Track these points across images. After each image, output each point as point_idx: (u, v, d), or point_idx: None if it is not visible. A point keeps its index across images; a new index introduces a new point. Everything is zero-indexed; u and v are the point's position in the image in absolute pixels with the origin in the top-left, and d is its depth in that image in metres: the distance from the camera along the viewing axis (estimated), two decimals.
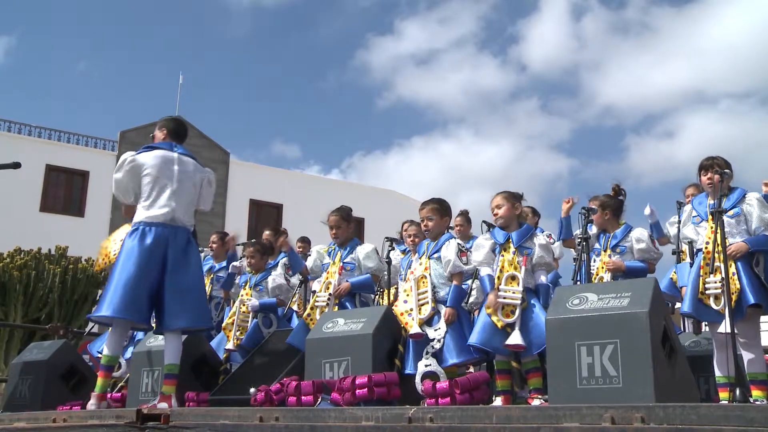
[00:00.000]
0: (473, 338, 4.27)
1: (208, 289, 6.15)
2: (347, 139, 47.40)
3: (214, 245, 6.73)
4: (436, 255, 4.75)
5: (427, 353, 4.46)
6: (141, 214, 4.62)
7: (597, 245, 5.02)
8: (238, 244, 6.90)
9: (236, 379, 5.11)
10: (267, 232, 6.77)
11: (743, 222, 4.41)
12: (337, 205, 5.56)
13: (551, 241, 5.51)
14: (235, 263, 6.24)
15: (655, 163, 48.03)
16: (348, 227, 5.45)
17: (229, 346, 5.63)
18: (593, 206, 4.92)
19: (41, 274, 13.57)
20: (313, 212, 8.30)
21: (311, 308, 5.24)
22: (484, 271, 4.42)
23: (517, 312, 4.19)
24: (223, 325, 5.87)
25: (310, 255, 5.83)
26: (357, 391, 3.89)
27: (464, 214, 6.27)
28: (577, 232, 4.88)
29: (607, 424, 2.56)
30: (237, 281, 6.17)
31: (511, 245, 4.42)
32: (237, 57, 45.66)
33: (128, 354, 5.80)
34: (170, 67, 43.88)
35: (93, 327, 7.03)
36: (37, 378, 5.75)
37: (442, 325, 4.52)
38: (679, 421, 2.43)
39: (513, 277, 4.30)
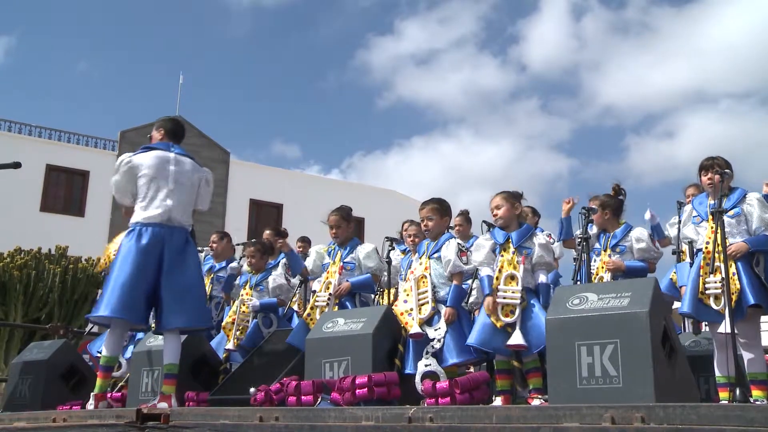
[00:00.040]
0: (472, 339, 4.27)
1: (208, 288, 6.16)
2: (347, 139, 47.46)
3: (215, 245, 6.73)
4: (436, 255, 4.75)
5: (427, 353, 4.46)
6: (138, 214, 4.63)
7: (597, 245, 5.02)
8: (238, 244, 6.91)
9: (236, 378, 5.11)
10: (267, 232, 6.77)
11: (743, 222, 4.41)
12: (337, 205, 5.56)
13: (551, 240, 5.51)
14: (232, 264, 6.25)
15: (655, 163, 48.07)
16: (348, 227, 5.45)
17: (230, 346, 5.63)
18: (593, 206, 4.92)
19: (41, 274, 13.59)
20: (313, 212, 8.30)
21: (311, 308, 5.24)
22: (484, 272, 4.42)
23: (517, 312, 4.18)
24: (223, 324, 5.87)
25: (309, 256, 5.83)
26: (357, 390, 3.89)
27: (464, 214, 6.27)
28: (578, 232, 4.88)
29: (607, 424, 2.56)
30: (237, 282, 6.17)
31: (511, 245, 4.42)
32: (237, 57, 45.71)
33: (128, 354, 5.81)
34: (170, 67, 43.93)
35: (93, 327, 7.03)
36: (37, 378, 5.75)
37: (442, 324, 4.52)
38: (679, 421, 2.43)
39: (512, 277, 4.30)
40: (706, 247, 4.32)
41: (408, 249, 5.36)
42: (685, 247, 4.74)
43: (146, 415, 4.00)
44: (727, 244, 4.19)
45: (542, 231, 5.64)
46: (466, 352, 4.41)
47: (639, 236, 4.90)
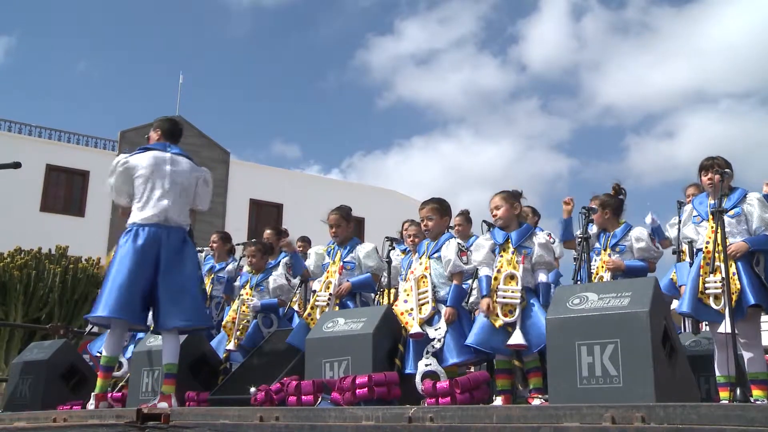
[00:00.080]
0: (471, 339, 4.28)
1: (208, 288, 6.16)
2: (347, 139, 47.45)
3: (215, 245, 6.74)
4: (436, 255, 4.74)
5: (427, 353, 4.46)
6: (135, 215, 4.64)
7: (597, 244, 5.02)
8: (238, 244, 6.91)
9: (236, 378, 5.12)
10: (268, 232, 6.77)
11: (744, 222, 4.41)
12: (337, 205, 5.57)
13: (551, 240, 5.51)
14: (228, 268, 6.28)
15: (655, 163, 48.03)
16: (348, 226, 5.45)
17: (230, 346, 5.63)
18: (593, 205, 4.92)
19: (41, 274, 13.60)
20: (313, 212, 8.30)
21: (311, 308, 5.24)
22: (483, 272, 4.42)
23: (517, 311, 4.19)
24: (223, 324, 5.88)
25: (309, 257, 5.83)
26: (357, 390, 3.89)
27: (464, 214, 6.26)
28: (578, 231, 4.88)
29: (607, 423, 2.56)
30: (237, 282, 6.18)
31: (510, 245, 4.42)
32: (237, 57, 45.70)
33: (129, 353, 5.81)
34: (170, 67, 43.92)
35: (93, 327, 7.03)
36: (37, 378, 5.76)
37: (442, 324, 4.52)
38: (679, 420, 2.43)
39: (512, 277, 4.30)
40: (706, 247, 4.32)
41: (408, 249, 5.36)
42: (685, 247, 4.74)
43: (146, 415, 4.00)
44: (727, 244, 4.19)
45: (542, 230, 5.65)
46: (466, 351, 4.40)
47: (639, 236, 4.90)
